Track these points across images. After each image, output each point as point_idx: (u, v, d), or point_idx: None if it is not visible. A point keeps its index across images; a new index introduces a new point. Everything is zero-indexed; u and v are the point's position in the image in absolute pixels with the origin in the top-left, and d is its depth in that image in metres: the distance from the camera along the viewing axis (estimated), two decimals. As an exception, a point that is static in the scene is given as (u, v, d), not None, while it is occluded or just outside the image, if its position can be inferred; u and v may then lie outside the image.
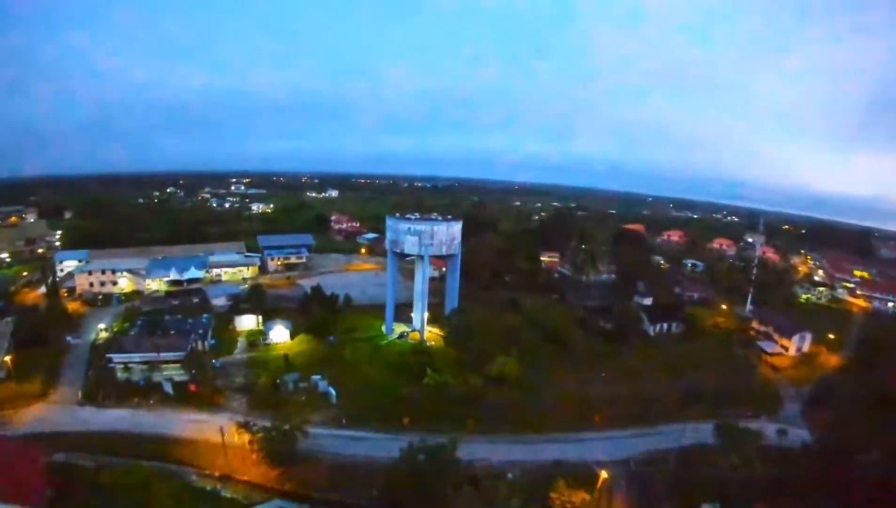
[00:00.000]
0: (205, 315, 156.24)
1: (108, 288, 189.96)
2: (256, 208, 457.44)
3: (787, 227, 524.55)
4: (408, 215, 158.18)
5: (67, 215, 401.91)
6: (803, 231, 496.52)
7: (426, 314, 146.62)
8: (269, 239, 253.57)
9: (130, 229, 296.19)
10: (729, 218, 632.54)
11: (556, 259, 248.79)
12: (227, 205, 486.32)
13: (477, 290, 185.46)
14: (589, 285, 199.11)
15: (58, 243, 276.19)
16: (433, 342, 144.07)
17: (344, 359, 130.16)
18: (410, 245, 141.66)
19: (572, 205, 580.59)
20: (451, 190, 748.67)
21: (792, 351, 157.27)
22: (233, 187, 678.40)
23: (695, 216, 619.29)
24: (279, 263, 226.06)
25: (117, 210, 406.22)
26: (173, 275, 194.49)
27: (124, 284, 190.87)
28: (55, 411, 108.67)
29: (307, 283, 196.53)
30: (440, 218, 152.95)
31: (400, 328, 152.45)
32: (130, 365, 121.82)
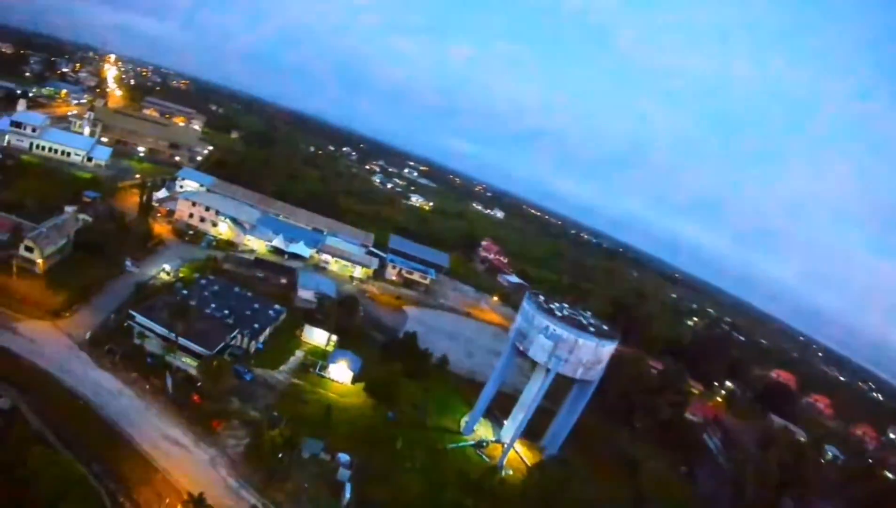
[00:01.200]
0: (276, 307, 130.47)
1: (206, 226, 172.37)
2: (415, 200, 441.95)
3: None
4: (552, 304, 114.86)
5: (234, 134, 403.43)
6: None
7: (521, 429, 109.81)
8: (402, 243, 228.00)
9: (278, 174, 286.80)
10: (875, 393, 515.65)
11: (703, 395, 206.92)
12: (388, 185, 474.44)
13: (596, 420, 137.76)
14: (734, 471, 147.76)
15: (199, 158, 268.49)
16: (513, 471, 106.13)
17: (392, 446, 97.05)
18: (540, 350, 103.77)
19: (727, 320, 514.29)
20: (615, 256, 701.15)
21: None
22: (406, 171, 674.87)
23: (842, 379, 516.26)
24: (399, 274, 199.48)
25: (281, 149, 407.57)
26: (277, 242, 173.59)
27: (223, 229, 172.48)
28: (49, 339, 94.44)
29: (415, 314, 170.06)
30: (591, 320, 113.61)
31: (483, 431, 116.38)
32: (147, 334, 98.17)
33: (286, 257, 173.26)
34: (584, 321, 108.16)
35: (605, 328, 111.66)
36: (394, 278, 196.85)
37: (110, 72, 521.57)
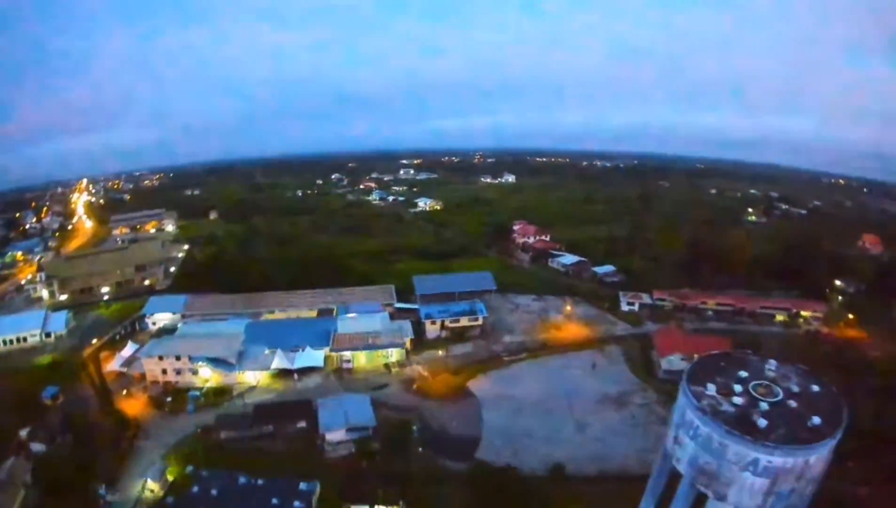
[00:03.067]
0: (301, 487, 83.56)
1: (187, 377, 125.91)
2: (423, 204, 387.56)
3: None
4: (735, 396, 54.66)
5: (213, 214, 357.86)
6: None
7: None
8: (431, 282, 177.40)
9: (265, 245, 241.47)
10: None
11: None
12: (390, 199, 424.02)
13: None
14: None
15: (174, 267, 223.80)
16: None
17: None
18: (747, 495, 51.64)
19: (774, 195, 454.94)
20: (637, 171, 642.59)
21: None
22: (401, 172, 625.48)
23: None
24: (443, 327, 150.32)
25: (263, 207, 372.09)
26: (278, 362, 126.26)
27: (207, 374, 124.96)
28: None
29: (485, 388, 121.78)
30: (793, 384, 58.32)
31: None
32: None
33: (296, 377, 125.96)
34: (793, 398, 57.10)
35: (816, 388, 60.32)
36: (438, 334, 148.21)
37: (80, 201, 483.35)
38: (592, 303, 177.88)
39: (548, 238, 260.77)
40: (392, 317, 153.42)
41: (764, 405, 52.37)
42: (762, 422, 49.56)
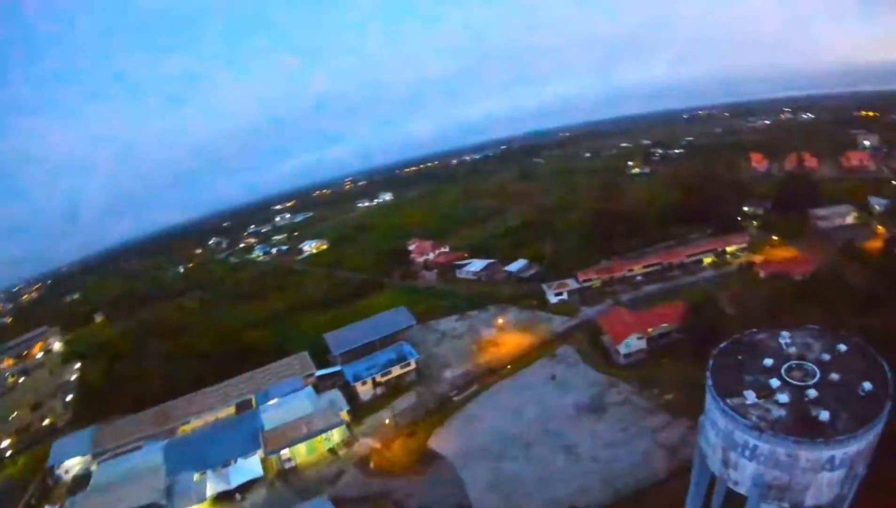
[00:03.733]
0: None
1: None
2: (308, 247, 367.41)
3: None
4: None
5: (98, 316, 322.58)
6: None
7: None
8: (344, 337, 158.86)
9: (160, 341, 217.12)
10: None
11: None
12: (273, 251, 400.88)
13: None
14: None
15: (69, 396, 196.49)
16: None
17: None
18: (823, 488, 43.17)
19: (647, 143, 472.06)
20: (508, 155, 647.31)
21: None
22: (277, 219, 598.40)
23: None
24: (375, 386, 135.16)
25: (147, 296, 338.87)
26: (212, 486, 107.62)
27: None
28: None
29: (447, 449, 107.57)
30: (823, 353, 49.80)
31: None
32: None
33: (238, 497, 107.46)
34: (831, 370, 47.25)
35: (843, 347, 51.71)
36: (373, 393, 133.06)
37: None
38: (519, 305, 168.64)
39: (447, 249, 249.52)
40: (317, 389, 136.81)
41: (812, 393, 45.86)
42: (823, 415, 43.12)
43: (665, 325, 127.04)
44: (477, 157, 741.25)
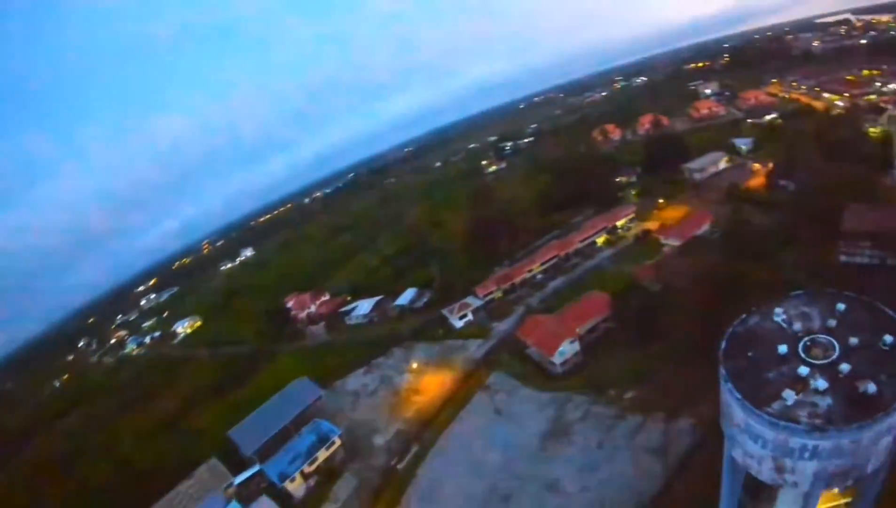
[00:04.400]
0: None
1: None
2: (181, 328, 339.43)
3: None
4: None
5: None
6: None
7: None
8: (252, 431, 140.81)
9: (54, 481, 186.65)
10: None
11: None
12: (147, 341, 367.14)
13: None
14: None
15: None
16: None
17: None
18: (877, 461, 41.65)
19: (493, 138, 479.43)
20: (357, 184, 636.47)
21: None
22: (143, 302, 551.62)
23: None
24: (305, 478, 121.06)
25: (26, 430, 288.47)
26: None
27: None
28: None
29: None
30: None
31: None
32: None
33: None
34: (848, 334, 45.05)
35: (842, 306, 47.84)
36: (306, 486, 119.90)
37: None
38: (425, 339, 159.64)
39: (328, 296, 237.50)
40: (241, 499, 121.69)
41: (845, 367, 42.41)
42: (870, 388, 40.22)
43: (591, 320, 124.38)
44: (328, 190, 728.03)
